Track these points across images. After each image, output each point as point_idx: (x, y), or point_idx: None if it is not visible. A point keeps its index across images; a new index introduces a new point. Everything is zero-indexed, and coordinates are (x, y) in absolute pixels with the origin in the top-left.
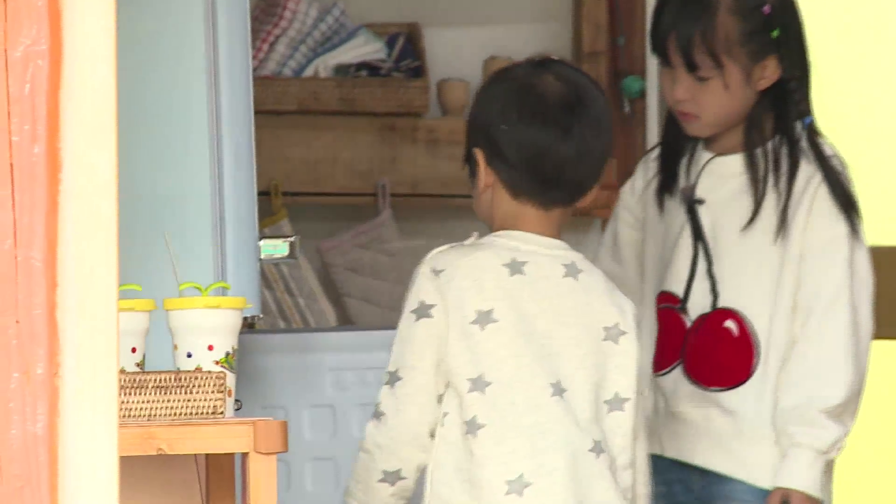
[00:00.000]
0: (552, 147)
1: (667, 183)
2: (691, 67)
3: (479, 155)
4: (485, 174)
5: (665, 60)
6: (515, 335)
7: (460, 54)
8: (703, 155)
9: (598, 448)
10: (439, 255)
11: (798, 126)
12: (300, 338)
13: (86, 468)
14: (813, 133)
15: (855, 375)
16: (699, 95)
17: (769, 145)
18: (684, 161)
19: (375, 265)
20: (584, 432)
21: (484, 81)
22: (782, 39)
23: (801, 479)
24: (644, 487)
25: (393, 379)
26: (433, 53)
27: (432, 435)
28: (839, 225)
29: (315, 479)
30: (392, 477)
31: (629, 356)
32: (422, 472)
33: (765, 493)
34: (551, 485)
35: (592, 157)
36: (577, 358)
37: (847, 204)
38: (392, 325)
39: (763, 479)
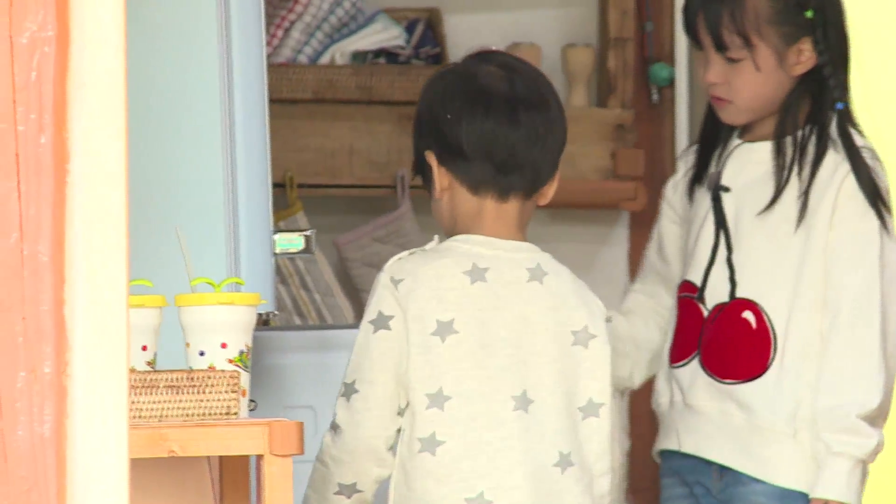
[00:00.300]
0: (501, 133)
1: (699, 173)
2: (720, 47)
3: (431, 157)
4: (439, 176)
5: (696, 42)
6: (477, 346)
7: (482, 41)
8: (734, 142)
9: (565, 461)
10: (399, 264)
11: (830, 113)
12: (318, 335)
13: (95, 471)
14: (845, 121)
15: (888, 377)
16: (731, 78)
17: (799, 133)
18: (718, 151)
19: None
20: (550, 446)
21: (424, 83)
22: (818, 21)
23: (840, 489)
24: (617, 486)
25: (349, 391)
26: (454, 40)
27: (391, 448)
28: (868, 219)
29: None
30: (348, 490)
31: (600, 360)
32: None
33: (785, 493)
34: (513, 503)
35: (545, 142)
36: (545, 366)
37: (875, 197)
38: None
39: (781, 477)
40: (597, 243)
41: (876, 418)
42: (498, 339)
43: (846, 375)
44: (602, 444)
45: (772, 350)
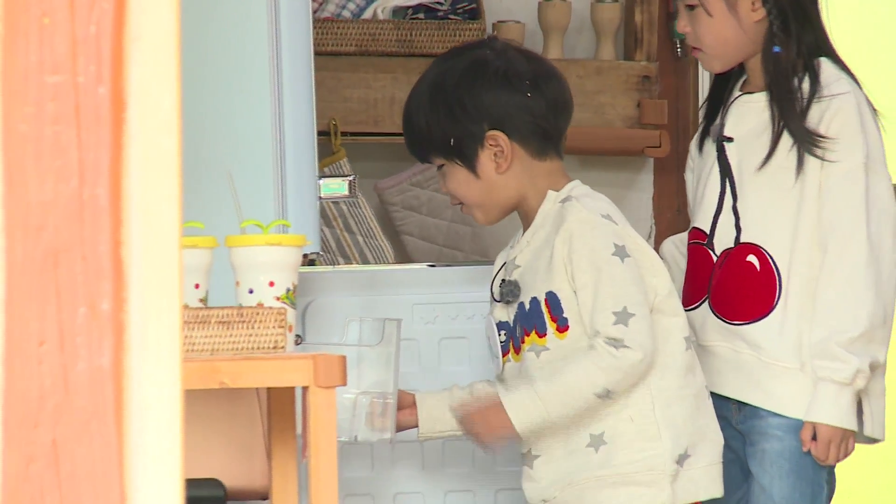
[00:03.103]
0: (562, 99)
1: (708, 126)
2: None
3: (499, 136)
4: (511, 150)
5: None
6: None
7: None
8: (735, 94)
9: None
10: (593, 203)
11: (816, 61)
12: (361, 274)
13: (151, 401)
14: (782, 65)
15: (876, 306)
16: (694, 27)
17: (795, 81)
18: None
19: (432, 204)
20: None
21: (463, 79)
22: None
23: (827, 412)
24: None
25: (624, 317)
26: None
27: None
28: (853, 156)
29: None
30: (605, 395)
31: None
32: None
33: (797, 424)
34: None
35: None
36: None
37: (859, 133)
38: (450, 262)
39: (792, 409)
40: (623, 188)
41: (864, 344)
42: None
43: (830, 306)
44: None
45: (777, 291)
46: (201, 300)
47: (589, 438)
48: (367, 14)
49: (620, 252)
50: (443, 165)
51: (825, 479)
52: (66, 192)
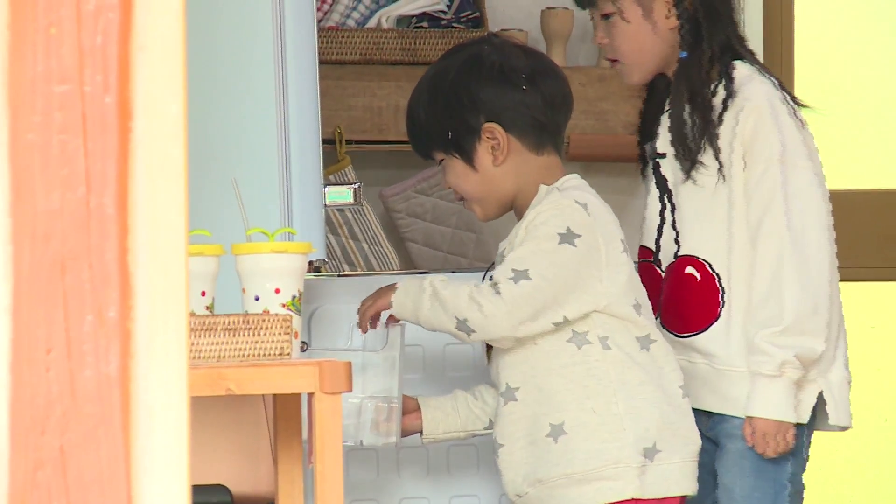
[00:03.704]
0: (559, 92)
1: (642, 146)
2: (592, 3)
3: (497, 129)
4: (507, 143)
5: (580, 5)
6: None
7: (519, 5)
8: (662, 109)
9: None
10: (576, 192)
11: (730, 67)
12: (366, 281)
13: (158, 408)
14: (689, 70)
15: (803, 298)
16: (611, 37)
17: (710, 89)
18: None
19: (436, 211)
20: None
21: (460, 73)
22: None
23: (761, 406)
24: None
25: (522, 277)
26: (492, 4)
27: None
28: (768, 153)
29: None
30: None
31: None
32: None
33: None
34: None
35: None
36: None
37: (773, 131)
38: (455, 268)
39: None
40: (626, 194)
41: (790, 335)
42: None
43: (759, 303)
44: None
45: (720, 298)
46: (207, 307)
47: (549, 428)
48: (372, 23)
49: (567, 237)
50: (443, 160)
51: (787, 478)
52: (73, 201)
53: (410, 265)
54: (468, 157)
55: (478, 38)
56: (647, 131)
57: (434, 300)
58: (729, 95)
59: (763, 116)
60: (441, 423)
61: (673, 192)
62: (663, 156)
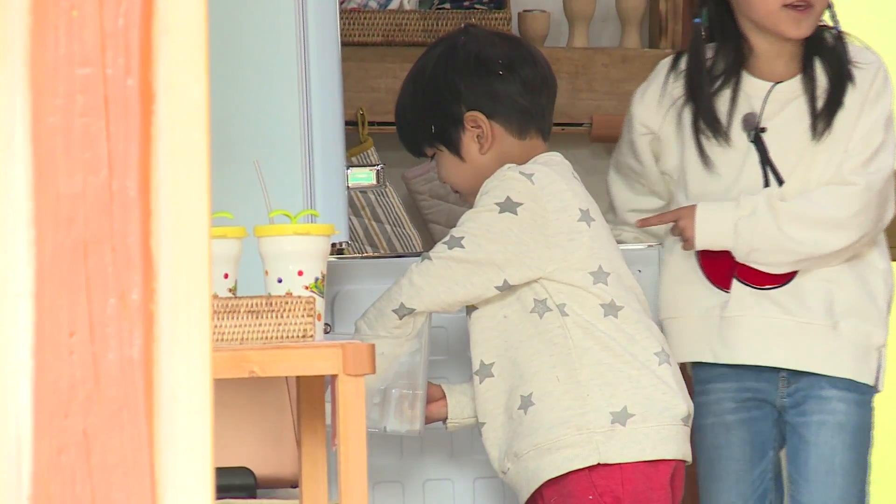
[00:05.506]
0: (540, 77)
1: (701, 112)
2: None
3: (480, 117)
4: (491, 130)
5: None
6: None
7: None
8: (759, 83)
9: None
10: (531, 166)
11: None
12: (389, 263)
13: (181, 390)
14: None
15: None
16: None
17: (822, 65)
18: (727, 90)
19: None
20: None
21: (437, 66)
22: None
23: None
24: None
25: (455, 243)
26: None
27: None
28: (876, 115)
29: None
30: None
31: None
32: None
33: (847, 383)
34: None
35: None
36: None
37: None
38: None
39: (841, 369)
40: None
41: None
42: None
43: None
44: None
45: None
46: (230, 290)
47: (520, 400)
48: (394, 4)
49: (507, 205)
50: (434, 155)
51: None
52: (95, 184)
53: (433, 246)
54: (455, 148)
55: (454, 31)
56: (700, 96)
57: (375, 320)
58: (846, 65)
59: (882, 79)
60: (467, 407)
61: (779, 164)
62: (763, 129)
